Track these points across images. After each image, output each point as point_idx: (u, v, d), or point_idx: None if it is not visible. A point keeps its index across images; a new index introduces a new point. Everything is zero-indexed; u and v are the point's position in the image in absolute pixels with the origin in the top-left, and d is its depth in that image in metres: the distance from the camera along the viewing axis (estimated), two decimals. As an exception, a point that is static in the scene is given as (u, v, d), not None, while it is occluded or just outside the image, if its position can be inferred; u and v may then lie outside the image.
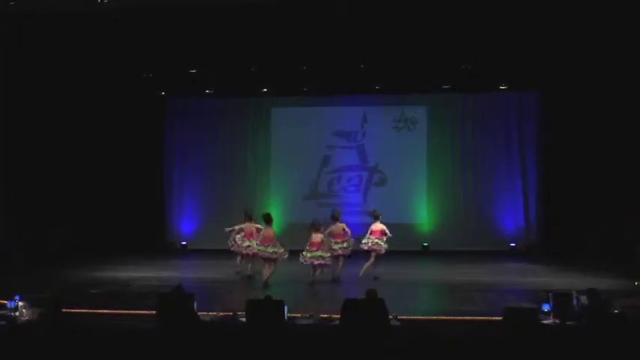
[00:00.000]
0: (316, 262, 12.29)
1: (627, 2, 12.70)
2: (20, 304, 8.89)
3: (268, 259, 12.31)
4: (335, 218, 12.94)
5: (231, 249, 13.59)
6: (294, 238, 13.66)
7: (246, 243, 13.18)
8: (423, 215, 17.68)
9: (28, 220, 15.43)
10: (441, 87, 16.92)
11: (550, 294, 8.97)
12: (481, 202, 17.72)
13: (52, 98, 15.75)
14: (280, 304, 8.17)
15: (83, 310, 9.64)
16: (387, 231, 13.22)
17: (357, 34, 13.88)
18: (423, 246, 17.22)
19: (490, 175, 17.69)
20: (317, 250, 12.28)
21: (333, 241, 12.70)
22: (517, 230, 17.51)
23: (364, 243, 13.15)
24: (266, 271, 12.32)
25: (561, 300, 8.77)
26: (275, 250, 12.22)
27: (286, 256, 12.31)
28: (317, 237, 12.37)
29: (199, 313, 8.35)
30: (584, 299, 8.52)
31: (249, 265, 13.40)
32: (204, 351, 7.02)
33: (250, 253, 13.07)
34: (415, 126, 17.94)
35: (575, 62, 15.01)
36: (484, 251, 16.70)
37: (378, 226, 13.23)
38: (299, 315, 9.04)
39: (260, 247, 12.33)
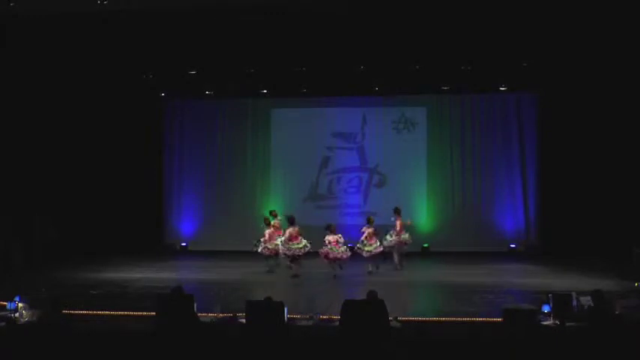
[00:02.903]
0: (345, 256, 13.35)
1: (623, 5, 12.71)
2: (20, 305, 8.89)
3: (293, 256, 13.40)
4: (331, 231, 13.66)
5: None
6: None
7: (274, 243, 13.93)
8: (423, 216, 17.66)
9: (28, 222, 15.43)
10: (440, 88, 16.91)
11: (550, 295, 8.97)
12: (481, 203, 17.72)
13: (53, 99, 15.77)
14: (280, 306, 8.17)
15: (83, 312, 9.65)
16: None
17: (356, 36, 13.90)
18: (423, 247, 17.21)
19: (490, 176, 17.68)
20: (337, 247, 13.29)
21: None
22: (517, 231, 17.51)
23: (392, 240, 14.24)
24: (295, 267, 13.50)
25: (561, 301, 8.76)
26: (299, 246, 13.42)
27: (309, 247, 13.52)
28: (333, 237, 13.36)
29: (199, 315, 8.35)
30: (584, 300, 8.51)
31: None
32: (204, 352, 7.02)
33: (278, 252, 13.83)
34: (415, 127, 17.94)
35: (573, 63, 15.03)
36: (484, 252, 16.69)
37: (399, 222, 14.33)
38: (299, 316, 9.04)
39: (287, 246, 13.46)
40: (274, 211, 14.78)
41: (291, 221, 13.70)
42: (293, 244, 13.47)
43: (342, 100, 17.89)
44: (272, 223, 14.23)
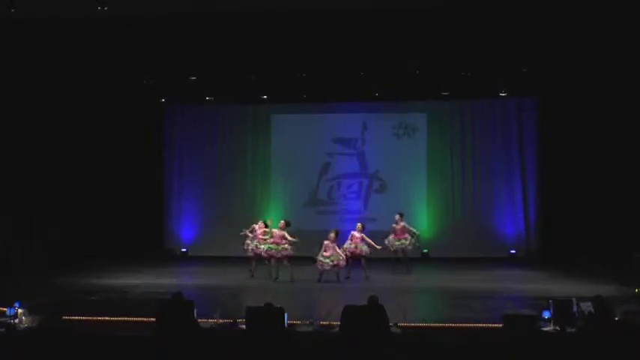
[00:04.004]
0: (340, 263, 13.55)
1: (622, 9, 12.73)
2: (20, 311, 8.88)
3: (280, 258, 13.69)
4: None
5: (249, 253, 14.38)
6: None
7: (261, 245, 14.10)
8: (423, 222, 17.63)
9: (27, 227, 15.42)
10: (440, 94, 16.90)
11: (550, 301, 8.96)
12: (481, 209, 17.70)
13: (54, 105, 15.78)
14: (280, 312, 8.17)
15: (83, 318, 9.64)
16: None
17: (356, 41, 13.91)
18: (423, 253, 17.19)
19: (490, 182, 17.66)
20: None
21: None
22: (517, 237, 17.48)
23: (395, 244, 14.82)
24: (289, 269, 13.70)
25: (561, 307, 8.76)
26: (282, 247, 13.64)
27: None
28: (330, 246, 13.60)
29: (199, 320, 8.34)
30: (585, 306, 8.51)
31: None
32: (204, 358, 7.01)
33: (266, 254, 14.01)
34: (415, 133, 17.93)
35: (573, 67, 15.03)
36: (484, 258, 16.67)
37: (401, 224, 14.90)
38: (299, 322, 9.03)
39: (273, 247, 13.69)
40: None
41: (286, 224, 13.87)
42: (279, 246, 13.60)
43: (343, 106, 17.88)
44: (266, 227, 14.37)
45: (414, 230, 14.96)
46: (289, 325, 8.50)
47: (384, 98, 17.03)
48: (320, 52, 14.39)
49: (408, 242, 14.81)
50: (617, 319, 8.41)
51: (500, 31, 13.62)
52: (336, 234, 13.63)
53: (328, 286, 13.11)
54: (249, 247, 14.29)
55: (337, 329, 8.11)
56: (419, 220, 17.44)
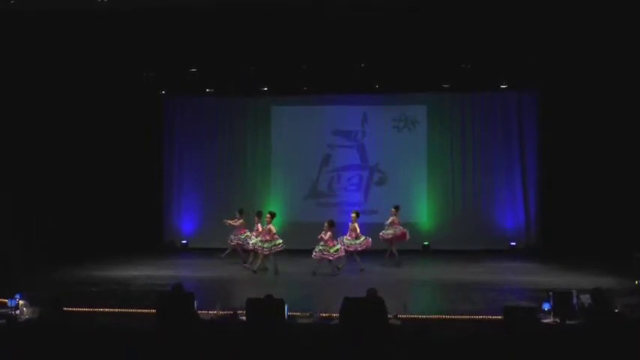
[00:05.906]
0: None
1: (623, 3, 12.70)
2: (21, 302, 8.91)
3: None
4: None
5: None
6: (294, 238, 13.79)
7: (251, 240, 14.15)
8: (424, 214, 17.65)
9: (28, 219, 15.41)
10: (440, 86, 16.86)
11: (550, 293, 8.98)
12: (481, 201, 17.70)
13: (53, 97, 15.74)
14: (280, 303, 8.19)
15: (84, 309, 9.66)
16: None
17: (357, 33, 13.88)
18: (424, 245, 17.21)
19: (490, 174, 17.65)
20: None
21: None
22: (517, 229, 17.49)
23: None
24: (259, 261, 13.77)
25: (561, 299, 8.78)
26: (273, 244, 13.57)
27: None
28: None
29: (199, 312, 8.36)
30: (585, 298, 8.53)
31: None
32: (204, 350, 7.02)
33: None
34: (415, 125, 17.90)
35: (574, 61, 14.99)
36: (484, 250, 16.69)
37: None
38: (299, 314, 9.05)
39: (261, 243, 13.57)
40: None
41: (272, 216, 13.80)
42: (268, 242, 13.51)
43: (343, 98, 17.85)
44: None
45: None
46: (289, 316, 8.52)
47: (384, 90, 16.99)
48: (320, 44, 14.35)
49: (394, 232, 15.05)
50: (616, 311, 8.42)
51: (501, 24, 13.58)
52: (330, 224, 13.65)
53: (328, 279, 13.14)
54: (234, 242, 14.60)
55: (337, 321, 8.12)
56: (419, 212, 17.47)
